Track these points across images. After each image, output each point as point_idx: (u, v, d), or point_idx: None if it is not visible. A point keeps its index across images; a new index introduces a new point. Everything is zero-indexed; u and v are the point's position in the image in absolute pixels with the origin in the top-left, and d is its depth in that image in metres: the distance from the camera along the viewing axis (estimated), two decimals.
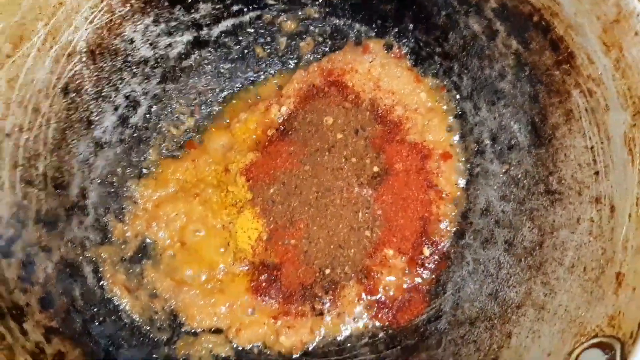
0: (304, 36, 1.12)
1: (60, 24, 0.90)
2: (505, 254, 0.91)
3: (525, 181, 0.91)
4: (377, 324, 0.97)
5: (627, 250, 0.71)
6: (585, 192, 0.81)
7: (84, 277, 0.95)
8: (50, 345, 0.84)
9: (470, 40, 0.98)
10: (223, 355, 0.96)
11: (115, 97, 1.01)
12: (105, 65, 0.98)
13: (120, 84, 1.02)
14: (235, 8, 1.07)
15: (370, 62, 1.06)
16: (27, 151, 0.90)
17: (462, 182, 1.01)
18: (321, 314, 0.97)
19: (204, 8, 1.04)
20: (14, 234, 0.86)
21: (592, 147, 0.80)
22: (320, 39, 1.12)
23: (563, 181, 0.84)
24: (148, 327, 0.98)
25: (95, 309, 0.94)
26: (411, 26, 1.05)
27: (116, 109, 1.02)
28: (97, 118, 1.00)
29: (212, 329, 0.98)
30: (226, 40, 1.10)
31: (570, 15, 0.80)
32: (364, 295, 0.98)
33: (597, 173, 0.79)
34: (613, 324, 0.69)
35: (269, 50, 1.13)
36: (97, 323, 0.93)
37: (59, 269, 0.91)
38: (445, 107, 1.04)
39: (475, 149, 1.00)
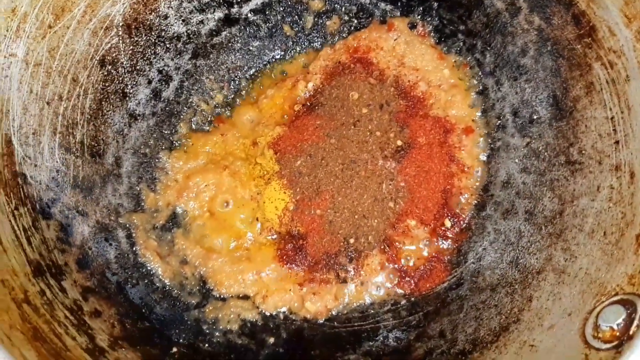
0: (331, 15, 1.15)
1: None
2: (526, 224, 0.93)
3: (546, 153, 0.94)
4: (400, 291, 1.00)
5: None
6: (605, 161, 0.83)
7: (118, 241, 0.99)
8: (87, 304, 0.88)
9: (493, 17, 1.01)
10: (251, 320, 1.00)
11: (149, 71, 1.05)
12: (140, 39, 1.02)
13: (154, 58, 1.06)
14: None
15: (394, 40, 1.09)
16: (66, 119, 0.94)
17: (483, 156, 1.04)
18: (345, 281, 1.00)
19: None
20: (53, 197, 0.90)
21: (612, 118, 0.83)
22: (347, 18, 1.15)
23: (583, 151, 0.87)
24: (179, 292, 1.01)
25: (129, 272, 0.98)
26: (435, 5, 1.08)
27: (150, 82, 1.06)
28: (131, 91, 1.04)
29: (240, 295, 1.02)
30: (255, 18, 1.13)
31: None
32: (386, 264, 1.01)
33: (617, 142, 0.81)
34: (633, 282, 0.71)
35: (296, 29, 1.16)
36: (130, 285, 0.97)
37: (94, 233, 0.95)
38: (467, 83, 1.06)
39: (497, 123, 1.03)
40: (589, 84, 0.87)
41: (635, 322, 0.66)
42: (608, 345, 0.68)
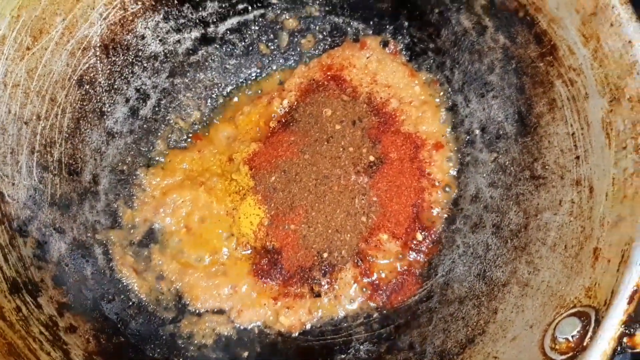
0: (305, 33, 1.18)
1: (76, 20, 0.96)
2: (493, 237, 0.95)
3: (512, 168, 0.96)
4: (372, 304, 1.02)
5: (603, 226, 0.76)
6: (567, 176, 0.85)
7: (95, 258, 1.01)
8: (63, 319, 0.89)
9: (461, 36, 1.03)
10: (225, 334, 1.01)
11: (126, 89, 1.08)
12: (117, 59, 1.05)
13: (132, 77, 1.08)
14: (240, 6, 1.13)
15: (367, 58, 1.12)
16: (44, 138, 0.96)
17: (453, 171, 1.06)
18: (319, 295, 1.02)
19: (211, 6, 1.11)
20: (30, 215, 0.92)
21: (573, 134, 0.85)
22: (321, 36, 1.18)
23: (547, 166, 0.89)
24: (155, 307, 1.03)
25: (105, 288, 1.00)
26: (406, 24, 1.11)
27: (127, 101, 1.08)
28: (109, 109, 1.06)
29: (215, 310, 1.03)
30: (232, 37, 1.16)
31: (553, 9, 0.86)
32: (359, 278, 1.02)
33: (577, 157, 0.84)
34: (590, 294, 0.73)
35: (272, 47, 1.19)
36: (106, 301, 0.99)
37: (71, 250, 0.97)
38: (437, 100, 1.09)
39: (466, 139, 1.05)
40: (552, 101, 0.89)
41: (589, 334, 0.68)
42: (564, 357, 0.69)
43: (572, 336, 0.70)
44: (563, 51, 0.86)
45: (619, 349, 0.66)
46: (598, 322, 0.68)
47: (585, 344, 0.68)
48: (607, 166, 0.78)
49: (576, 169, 0.84)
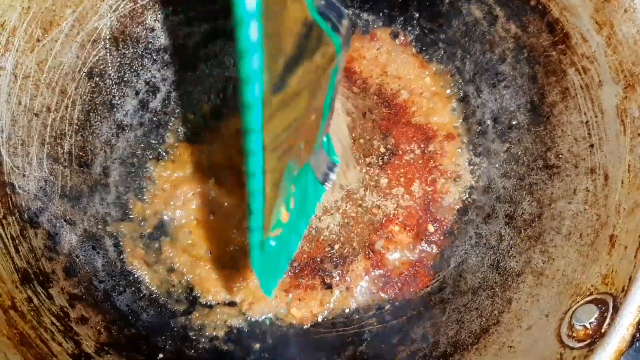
0: None
1: (86, 12, 0.96)
2: (506, 227, 0.95)
3: (525, 158, 0.96)
4: (384, 296, 1.01)
5: (619, 213, 0.75)
6: (581, 164, 0.85)
7: (106, 250, 1.00)
8: (74, 310, 0.89)
9: (472, 26, 1.03)
10: (237, 326, 1.01)
11: (136, 82, 1.08)
12: (127, 52, 1.05)
13: (141, 70, 1.08)
14: None
15: (377, 50, 1.11)
16: (54, 130, 0.95)
17: (465, 162, 1.05)
18: (330, 287, 1.02)
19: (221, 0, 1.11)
20: (41, 206, 0.92)
21: (587, 122, 0.85)
22: None
23: (560, 155, 0.89)
24: (166, 299, 1.02)
25: (116, 280, 0.99)
26: (416, 15, 1.11)
27: (137, 93, 1.08)
28: (119, 102, 1.06)
29: (227, 302, 1.03)
30: None
31: None
32: (371, 270, 1.02)
33: (592, 145, 0.83)
34: (607, 281, 0.72)
35: None
36: (117, 293, 0.98)
37: (82, 241, 0.97)
38: (449, 91, 1.08)
39: (478, 129, 1.05)
40: (564, 90, 0.88)
41: (607, 321, 0.68)
42: (581, 344, 0.69)
43: (590, 323, 0.69)
44: (576, 39, 0.85)
45: (638, 335, 0.66)
46: (616, 309, 0.68)
47: (603, 330, 0.67)
48: (622, 153, 0.78)
49: (590, 157, 0.83)
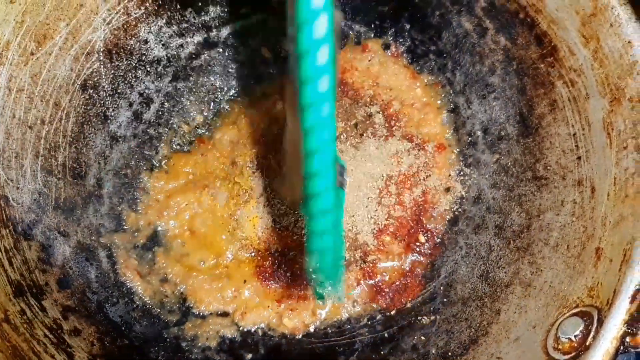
0: None
1: (80, 25, 0.97)
2: (496, 238, 0.96)
3: (514, 169, 0.96)
4: (375, 306, 1.02)
5: (605, 226, 0.76)
6: (568, 176, 0.86)
7: (99, 261, 1.01)
8: (67, 322, 0.90)
9: (462, 38, 1.04)
10: (229, 336, 1.02)
11: (130, 94, 1.08)
12: (121, 64, 1.06)
13: (135, 81, 1.09)
14: (242, 11, 1.14)
15: (369, 61, 1.12)
16: (48, 142, 0.96)
17: (455, 172, 1.06)
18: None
19: (213, 11, 1.11)
20: (35, 219, 0.93)
21: (574, 134, 0.85)
22: None
23: (548, 167, 0.89)
24: (159, 310, 1.03)
25: (109, 291, 1.00)
26: (407, 26, 1.12)
27: (131, 105, 1.09)
28: (112, 113, 1.06)
29: (219, 312, 1.04)
30: (234, 41, 1.16)
31: (553, 11, 0.86)
32: (363, 280, 1.02)
33: (579, 158, 0.84)
34: (592, 294, 0.73)
35: (274, 51, 1.19)
36: (110, 304, 0.99)
37: (75, 253, 0.97)
38: (439, 102, 1.09)
39: (468, 140, 1.06)
40: (553, 102, 0.89)
41: (592, 334, 0.68)
42: (567, 357, 0.70)
43: (575, 336, 0.70)
44: (563, 52, 0.86)
45: (621, 348, 0.66)
46: (601, 322, 0.69)
47: (588, 343, 0.68)
48: (608, 166, 0.79)
49: (578, 169, 0.84)
